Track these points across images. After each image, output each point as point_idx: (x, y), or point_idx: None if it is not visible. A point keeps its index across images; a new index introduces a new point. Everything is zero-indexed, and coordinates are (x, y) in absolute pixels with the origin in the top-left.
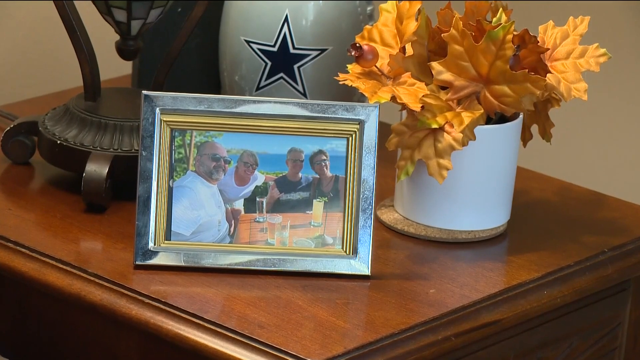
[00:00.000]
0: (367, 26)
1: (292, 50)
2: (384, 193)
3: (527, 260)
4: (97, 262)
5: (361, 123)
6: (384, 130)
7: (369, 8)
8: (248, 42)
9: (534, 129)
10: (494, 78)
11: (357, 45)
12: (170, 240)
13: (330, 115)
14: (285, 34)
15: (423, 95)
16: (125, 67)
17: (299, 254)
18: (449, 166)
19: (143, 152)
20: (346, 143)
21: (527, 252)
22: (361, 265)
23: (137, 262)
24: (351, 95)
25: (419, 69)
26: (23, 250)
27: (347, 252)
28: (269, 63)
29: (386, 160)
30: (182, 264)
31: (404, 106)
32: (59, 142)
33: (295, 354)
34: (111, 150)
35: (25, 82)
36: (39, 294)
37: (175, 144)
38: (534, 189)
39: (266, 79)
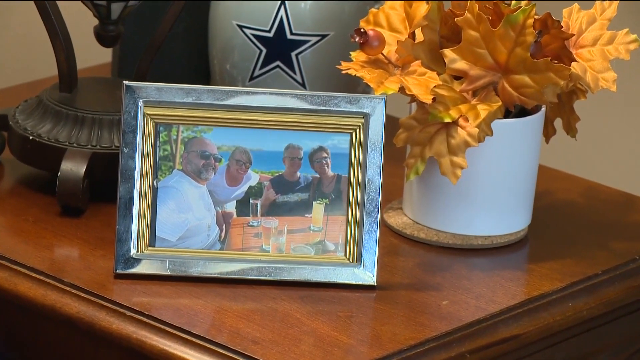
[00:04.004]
0: (373, 9)
1: (289, 36)
2: (392, 194)
3: (549, 268)
4: (74, 271)
5: (366, 117)
6: (392, 124)
7: None
8: (241, 26)
9: (558, 123)
10: (513, 67)
11: (362, 30)
12: (154, 246)
13: (331, 108)
14: (282, 17)
15: (434, 86)
16: (105, 55)
17: (297, 262)
18: (463, 164)
19: (124, 148)
20: (349, 139)
21: (550, 259)
22: (366, 274)
23: (117, 271)
24: (355, 85)
25: (430, 56)
26: None
27: (351, 260)
28: (264, 50)
29: (394, 158)
30: (168, 272)
31: (413, 98)
32: (31, 137)
33: None
34: (89, 146)
35: None
36: (9, 306)
37: (160, 139)
38: (557, 189)
39: (261, 68)
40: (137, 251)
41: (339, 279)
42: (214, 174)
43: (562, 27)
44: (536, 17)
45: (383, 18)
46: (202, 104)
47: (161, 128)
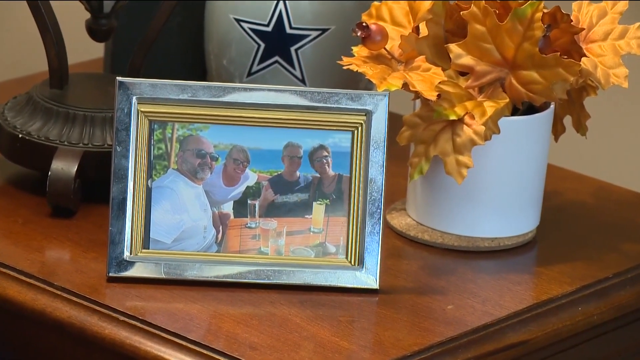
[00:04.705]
0: (375, 2)
1: (288, 30)
2: (395, 195)
3: (558, 272)
4: (65, 274)
5: (368, 114)
6: (395, 122)
7: None
8: (238, 20)
9: (567, 120)
10: (521, 62)
11: (364, 24)
12: (148, 248)
13: (332, 105)
14: (281, 11)
15: (439, 82)
16: (97, 50)
17: (296, 265)
18: (469, 164)
19: (117, 147)
20: (351, 137)
21: (559, 262)
22: (368, 277)
23: (110, 274)
24: (357, 82)
25: (435, 51)
26: None
27: (352, 263)
28: (262, 45)
29: (397, 157)
30: (163, 276)
31: (417, 94)
32: (20, 136)
33: None
34: (80, 145)
35: None
36: None
37: (155, 138)
38: (567, 189)
39: (259, 63)
40: (131, 254)
41: (340, 283)
42: (211, 173)
43: (571, 21)
44: (545, 10)
45: (386, 12)
46: (198, 101)
47: (155, 126)
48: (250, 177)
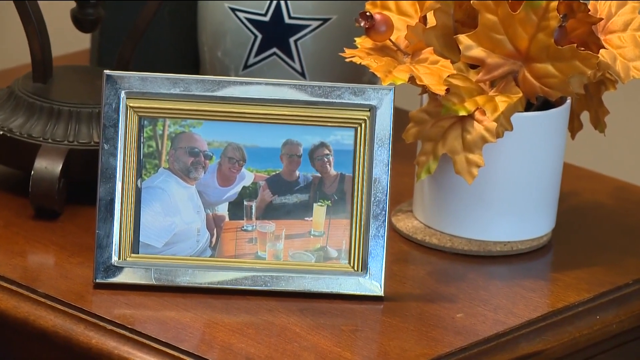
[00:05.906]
0: None
1: (287, 20)
2: (401, 195)
3: (575, 277)
4: (49, 280)
5: (372, 109)
6: (401, 118)
7: None
8: (234, 9)
9: (585, 116)
10: (536, 54)
11: (368, 14)
12: (138, 253)
13: (334, 100)
14: (279, 0)
15: (448, 76)
16: (83, 41)
17: (296, 270)
18: (480, 162)
19: (105, 145)
20: (354, 134)
21: (576, 267)
22: (372, 284)
23: (97, 280)
24: (360, 75)
25: (444, 43)
26: None
27: (355, 268)
28: (259, 36)
29: (403, 155)
30: (153, 282)
31: (424, 89)
32: (1, 132)
33: None
34: (66, 142)
35: None
36: None
37: (144, 135)
38: (584, 190)
39: (256, 55)
40: (119, 258)
41: (342, 289)
42: (204, 173)
43: (589, 10)
44: None
45: (391, 0)
46: (190, 96)
47: (145, 122)
48: (247, 177)
